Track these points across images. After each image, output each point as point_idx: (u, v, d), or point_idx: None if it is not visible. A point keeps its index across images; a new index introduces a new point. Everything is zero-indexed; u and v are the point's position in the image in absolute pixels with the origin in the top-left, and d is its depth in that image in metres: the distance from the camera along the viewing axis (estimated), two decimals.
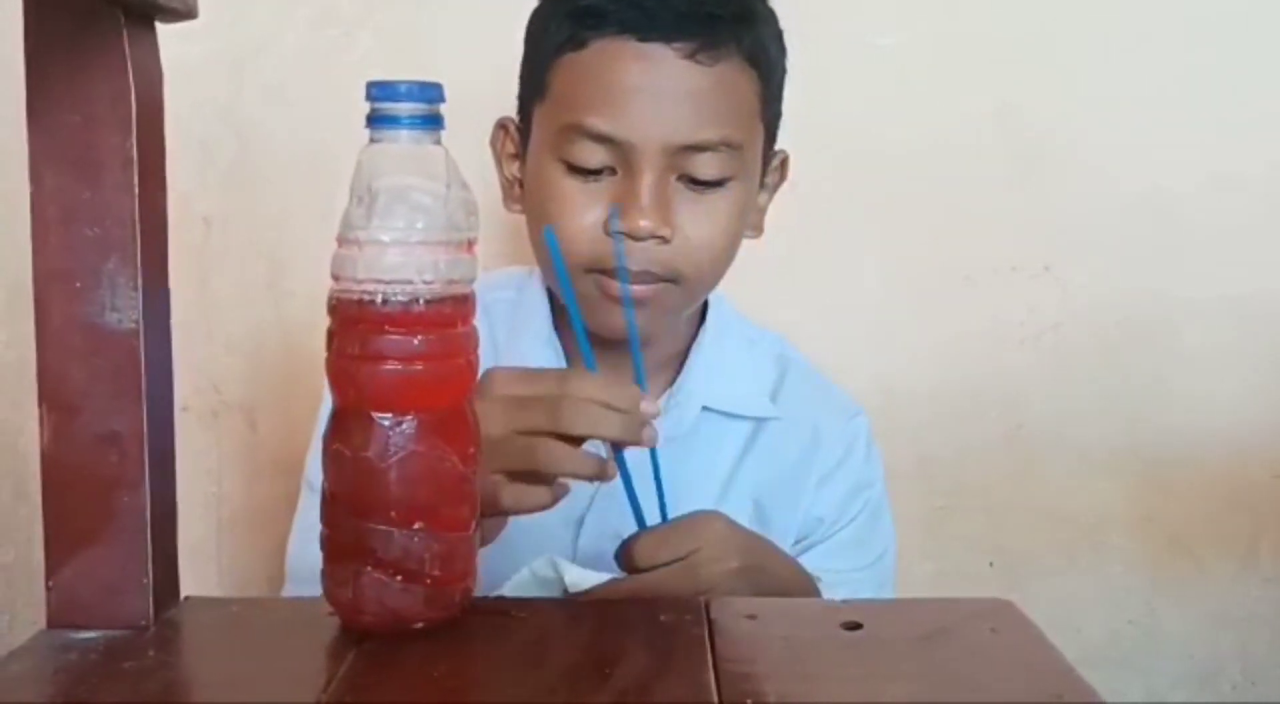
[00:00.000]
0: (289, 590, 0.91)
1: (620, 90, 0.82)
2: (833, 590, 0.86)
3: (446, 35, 1.24)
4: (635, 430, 0.71)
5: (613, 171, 0.84)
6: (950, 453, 1.30)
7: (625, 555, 0.75)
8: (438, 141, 0.59)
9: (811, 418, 0.95)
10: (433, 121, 0.58)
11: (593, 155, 0.83)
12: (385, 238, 0.57)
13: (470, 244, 0.60)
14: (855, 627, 0.62)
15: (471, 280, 0.60)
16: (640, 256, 0.83)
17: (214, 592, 1.28)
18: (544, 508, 0.72)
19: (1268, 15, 1.25)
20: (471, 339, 0.61)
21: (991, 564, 1.32)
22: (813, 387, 0.98)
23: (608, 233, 0.83)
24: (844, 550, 0.92)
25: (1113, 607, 1.32)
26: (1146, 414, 1.30)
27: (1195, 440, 1.30)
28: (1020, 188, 1.27)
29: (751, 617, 0.64)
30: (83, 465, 0.60)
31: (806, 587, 0.84)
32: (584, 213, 0.84)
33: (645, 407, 0.71)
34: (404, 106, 0.58)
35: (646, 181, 0.82)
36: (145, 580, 0.61)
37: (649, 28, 0.82)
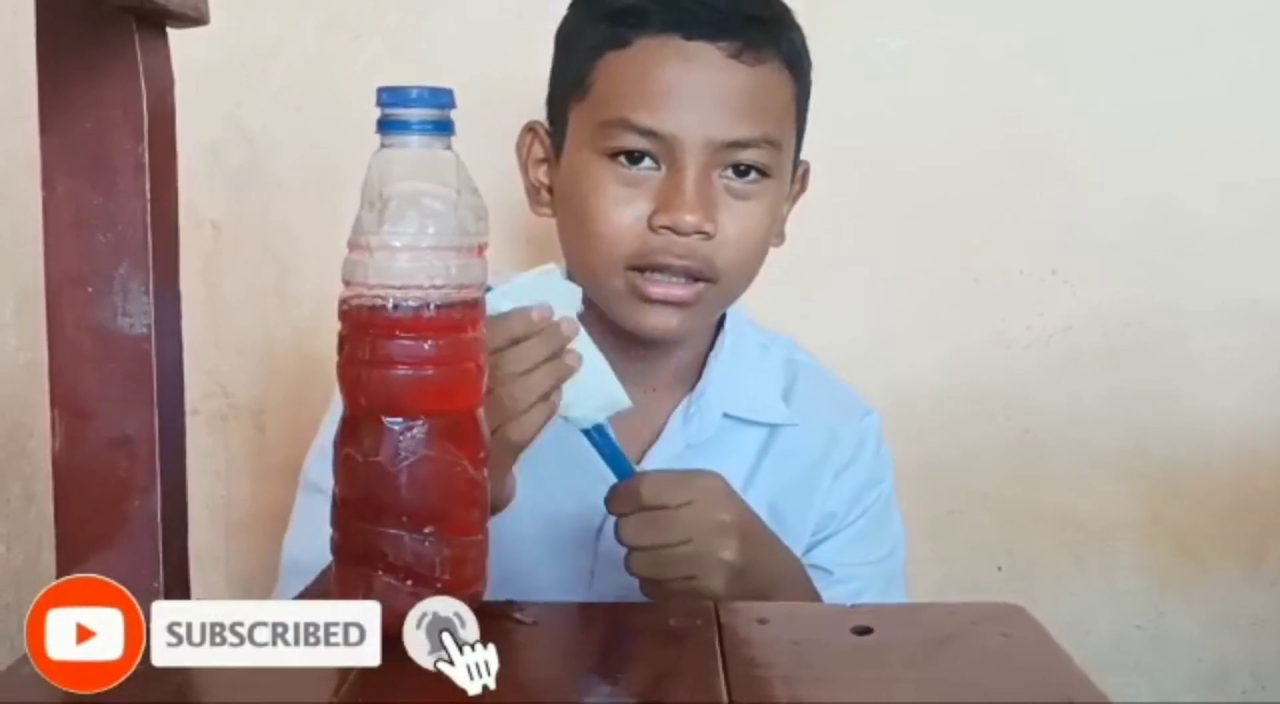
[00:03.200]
0: (284, 584, 0.90)
1: (666, 86, 0.83)
2: (844, 584, 0.87)
3: (455, 40, 1.25)
4: (563, 357, 0.72)
5: (654, 166, 0.84)
6: (958, 456, 1.30)
7: (618, 496, 0.76)
8: (448, 147, 0.59)
9: (825, 420, 0.96)
10: (443, 127, 0.59)
11: (636, 147, 0.84)
12: (396, 243, 0.57)
13: (480, 249, 0.60)
14: (866, 631, 0.62)
15: (481, 285, 0.60)
16: (683, 251, 0.84)
17: (222, 595, 1.29)
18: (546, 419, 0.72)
19: (1277, 22, 1.25)
20: (481, 344, 0.61)
21: (999, 568, 1.31)
22: (824, 389, 0.98)
23: (651, 229, 0.83)
24: (854, 544, 0.93)
25: (1121, 610, 1.32)
26: (1154, 418, 1.29)
27: (1203, 444, 1.30)
28: (1028, 192, 1.27)
29: (762, 621, 0.64)
30: (95, 470, 0.60)
31: (797, 569, 0.84)
32: (626, 207, 0.84)
33: (536, 315, 0.71)
34: (414, 112, 0.58)
35: (690, 177, 0.83)
36: (156, 584, 0.61)
37: (694, 27, 0.83)
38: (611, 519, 0.90)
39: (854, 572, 0.90)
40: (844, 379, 1.03)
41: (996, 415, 1.30)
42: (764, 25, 0.85)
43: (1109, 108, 1.25)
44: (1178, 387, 1.29)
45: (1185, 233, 1.27)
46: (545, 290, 0.73)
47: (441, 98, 0.58)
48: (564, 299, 0.73)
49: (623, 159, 0.84)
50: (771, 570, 0.80)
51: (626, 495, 0.76)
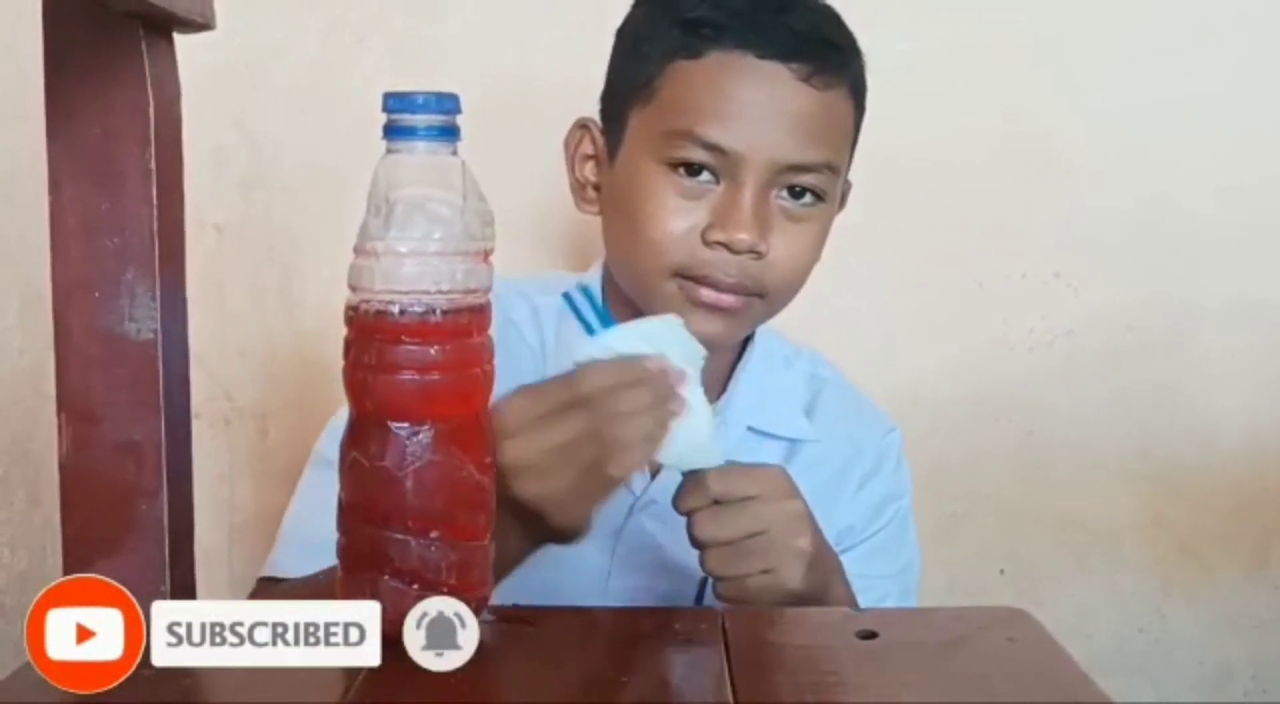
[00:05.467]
0: (280, 553, 0.88)
1: (736, 103, 0.83)
2: (860, 595, 0.87)
3: (458, 43, 1.25)
4: (669, 404, 0.71)
5: (713, 180, 0.84)
6: (961, 459, 1.30)
7: (687, 492, 0.75)
8: (454, 152, 0.59)
9: (848, 434, 0.97)
10: (449, 133, 0.59)
11: (698, 159, 0.84)
12: (402, 248, 0.58)
13: (486, 254, 0.60)
14: (871, 635, 0.62)
15: (488, 290, 0.60)
16: (733, 269, 0.84)
17: (224, 597, 1.29)
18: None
19: (1277, 22, 1.25)
20: (487, 349, 0.61)
21: (1002, 571, 1.32)
22: (847, 404, 0.99)
23: (704, 242, 0.84)
24: (871, 557, 0.93)
25: (1124, 613, 1.32)
26: (1157, 420, 1.30)
27: (1206, 447, 1.30)
28: (1031, 194, 1.27)
29: (768, 624, 0.65)
30: (102, 474, 0.60)
31: (841, 565, 0.83)
32: (681, 217, 0.84)
33: (651, 365, 0.71)
34: (421, 118, 0.58)
35: (749, 195, 0.83)
36: (163, 587, 0.61)
37: (769, 46, 0.83)
38: (631, 525, 0.90)
39: (871, 583, 0.90)
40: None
41: (999, 418, 1.30)
42: (836, 51, 0.86)
43: (1110, 109, 1.25)
44: (1180, 388, 1.29)
45: (1187, 234, 1.28)
46: (665, 339, 0.73)
47: (448, 103, 0.58)
48: (681, 349, 0.73)
49: (682, 170, 0.84)
50: (830, 562, 0.80)
51: (695, 490, 0.75)
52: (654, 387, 0.71)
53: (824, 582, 0.78)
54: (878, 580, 0.91)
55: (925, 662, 0.60)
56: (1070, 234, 1.28)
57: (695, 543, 0.75)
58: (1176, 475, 1.31)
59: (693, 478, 0.75)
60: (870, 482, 0.96)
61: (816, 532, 0.77)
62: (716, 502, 0.75)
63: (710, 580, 0.75)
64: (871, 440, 0.97)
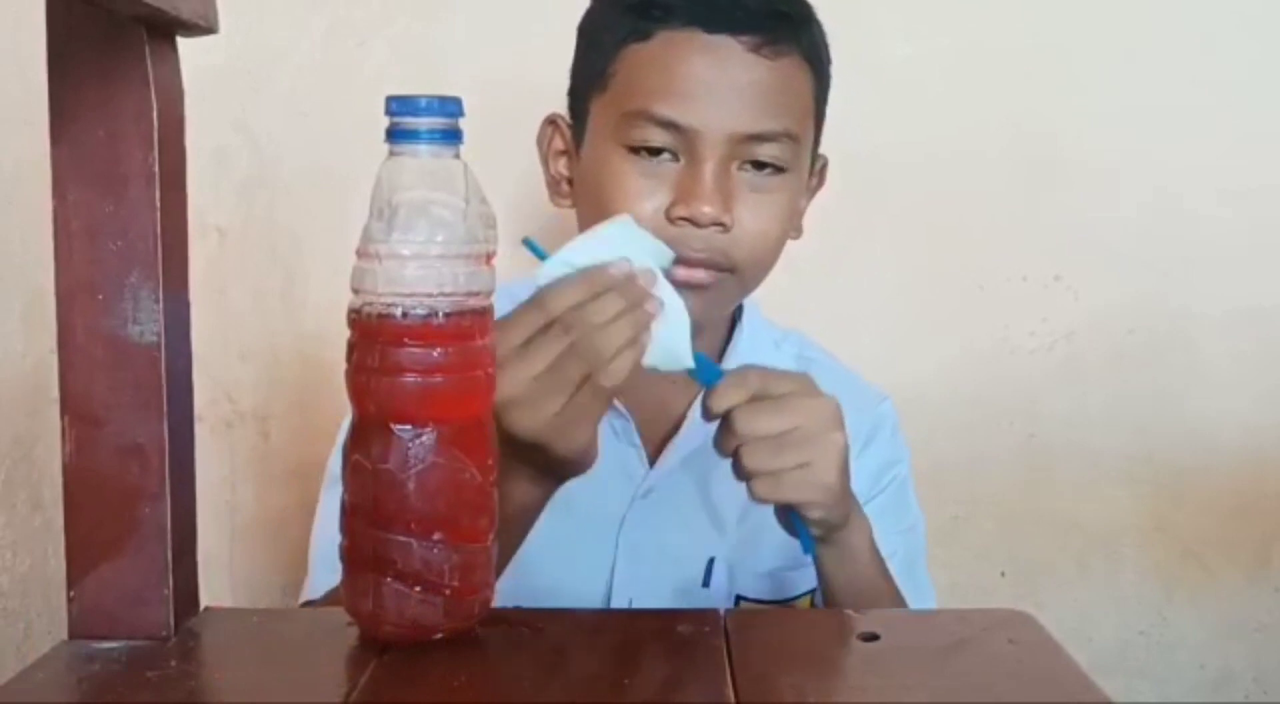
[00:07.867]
0: (314, 577, 0.89)
1: (687, 79, 0.84)
2: None
3: (460, 45, 1.25)
4: (645, 305, 0.71)
5: (674, 159, 0.85)
6: (962, 462, 1.30)
7: (726, 389, 0.75)
8: (457, 156, 0.59)
9: None
10: (452, 136, 0.59)
11: (656, 141, 0.84)
12: (405, 251, 0.58)
13: (489, 257, 0.60)
14: (873, 638, 0.62)
15: (490, 293, 0.61)
16: (700, 244, 0.84)
17: (226, 600, 1.29)
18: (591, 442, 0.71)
19: None
20: (489, 352, 0.61)
21: (1003, 574, 1.32)
22: (837, 382, 0.98)
23: (669, 220, 0.84)
24: (877, 517, 0.92)
25: (1125, 616, 1.32)
26: (1158, 423, 1.30)
27: (1207, 450, 1.30)
28: (1032, 197, 1.27)
29: (770, 626, 0.65)
30: (105, 477, 0.60)
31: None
32: (645, 199, 0.85)
33: (614, 271, 0.70)
34: (424, 121, 0.58)
35: (709, 169, 0.84)
36: (166, 591, 0.61)
37: (716, 21, 0.84)
38: (634, 512, 0.91)
39: (879, 539, 0.90)
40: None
41: (1001, 421, 1.30)
42: (785, 20, 0.86)
43: (1112, 112, 1.26)
44: (1182, 392, 1.30)
45: (1188, 237, 1.28)
46: (622, 241, 0.72)
47: (450, 106, 0.59)
48: (642, 248, 0.72)
49: (643, 151, 0.85)
50: (852, 498, 0.81)
51: (736, 385, 0.75)
52: (624, 290, 0.70)
53: (851, 499, 0.79)
54: (885, 537, 0.91)
55: (927, 664, 0.60)
56: (1071, 237, 1.28)
57: (725, 444, 0.75)
58: (1178, 478, 1.31)
59: (731, 375, 0.75)
60: (866, 450, 0.96)
61: (845, 434, 0.77)
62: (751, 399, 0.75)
63: (746, 484, 0.75)
64: (864, 411, 0.97)
